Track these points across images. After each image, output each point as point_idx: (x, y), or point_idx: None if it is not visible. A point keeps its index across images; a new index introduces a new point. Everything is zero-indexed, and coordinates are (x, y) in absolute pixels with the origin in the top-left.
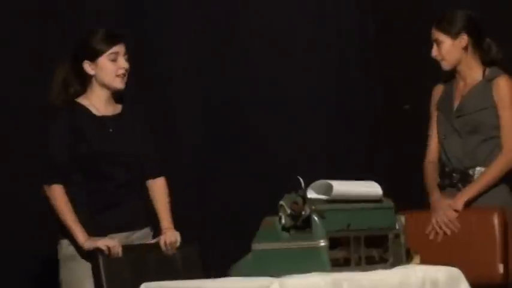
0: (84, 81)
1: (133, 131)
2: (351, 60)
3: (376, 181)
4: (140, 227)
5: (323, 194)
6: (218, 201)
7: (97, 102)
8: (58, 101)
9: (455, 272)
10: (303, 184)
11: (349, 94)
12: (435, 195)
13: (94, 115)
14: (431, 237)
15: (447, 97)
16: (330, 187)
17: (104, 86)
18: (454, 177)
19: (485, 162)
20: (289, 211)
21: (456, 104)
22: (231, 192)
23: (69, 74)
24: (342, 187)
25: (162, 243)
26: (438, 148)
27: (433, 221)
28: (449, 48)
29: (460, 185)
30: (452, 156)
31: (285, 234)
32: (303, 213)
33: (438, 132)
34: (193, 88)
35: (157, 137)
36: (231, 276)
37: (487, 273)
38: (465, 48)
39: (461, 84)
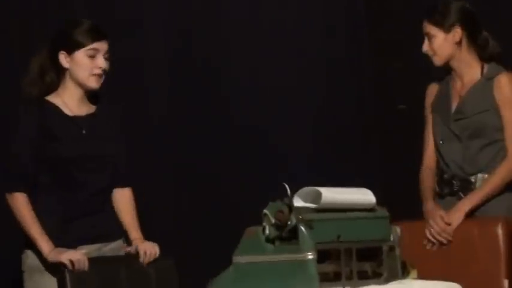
0: (59, 74)
1: (108, 132)
2: (341, 57)
3: (369, 188)
4: (114, 238)
5: (311, 202)
6: (195, 209)
7: (69, 100)
8: (33, 90)
9: (455, 287)
10: (288, 191)
11: (338, 93)
12: (429, 204)
13: (65, 115)
14: (428, 248)
15: (443, 97)
16: (319, 194)
17: (78, 83)
18: (454, 185)
19: (488, 168)
20: (273, 221)
21: (454, 105)
22: (209, 200)
23: (46, 62)
24: (332, 194)
25: (141, 253)
26: (435, 153)
27: (427, 232)
28: (441, 43)
29: (461, 193)
30: (450, 161)
31: (269, 246)
32: (289, 223)
33: (434, 137)
34: (173, 89)
35: (133, 142)
36: None
37: None
38: (459, 43)
39: (458, 83)
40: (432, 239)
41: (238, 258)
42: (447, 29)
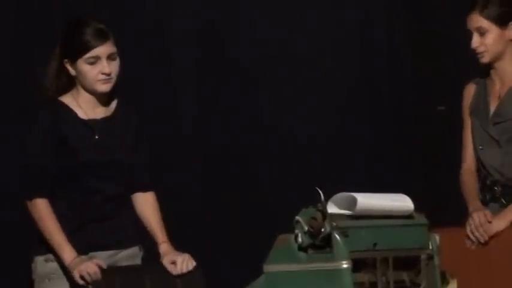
0: (72, 77)
1: (125, 136)
2: (377, 56)
3: (406, 193)
4: (128, 245)
5: (346, 209)
6: (225, 216)
7: (84, 103)
8: (50, 92)
9: None
10: (322, 197)
11: (375, 95)
12: (475, 205)
13: (79, 118)
14: (471, 251)
15: (481, 99)
16: (354, 201)
17: (87, 90)
18: (496, 191)
19: None
20: (306, 228)
21: (493, 108)
22: (239, 206)
23: (59, 65)
24: (368, 200)
25: (179, 261)
26: (475, 156)
27: (467, 228)
28: (496, 39)
29: (503, 199)
30: (491, 168)
31: (302, 254)
32: (323, 230)
33: (474, 141)
34: (203, 91)
35: (155, 141)
36: None
37: None
38: (511, 41)
39: (497, 83)
40: (471, 236)
41: (270, 267)
42: (503, 25)
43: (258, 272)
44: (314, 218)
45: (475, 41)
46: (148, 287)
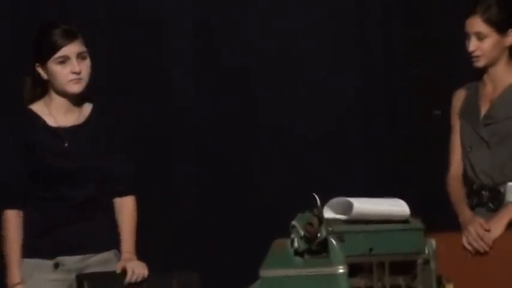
0: (46, 84)
1: (98, 142)
2: (375, 59)
3: (402, 198)
4: (100, 249)
5: (342, 214)
6: (221, 220)
7: (55, 110)
8: (28, 98)
9: None
10: (318, 202)
11: (372, 100)
12: (466, 213)
13: (48, 126)
14: (464, 256)
15: (472, 103)
16: (350, 205)
17: (59, 92)
18: (483, 196)
19: None
20: (302, 233)
21: (484, 110)
22: (235, 211)
23: (34, 73)
24: (364, 205)
25: (129, 271)
26: (462, 161)
27: (463, 239)
28: (494, 45)
29: (490, 204)
30: (479, 171)
31: (298, 259)
32: (319, 235)
33: (463, 144)
34: (200, 90)
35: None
36: None
37: None
38: (507, 47)
39: (489, 87)
40: (469, 247)
41: (266, 272)
42: (503, 31)
43: (254, 276)
44: (310, 223)
45: (473, 44)
46: None
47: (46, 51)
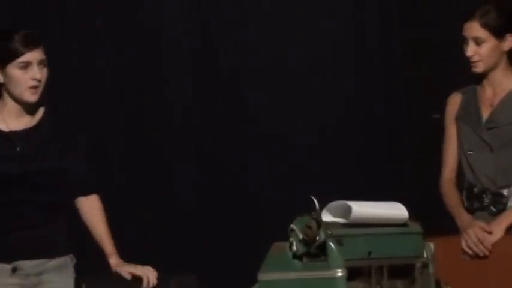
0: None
1: (53, 144)
2: (371, 61)
3: (401, 201)
4: (57, 254)
5: (340, 217)
6: (219, 223)
7: (7, 115)
8: None
9: None
10: (317, 205)
11: (370, 103)
12: (464, 217)
13: (0, 131)
14: (463, 259)
15: (471, 107)
16: (349, 209)
17: (14, 97)
18: (484, 200)
19: None
20: (301, 236)
21: (486, 114)
22: (234, 214)
23: None
24: (362, 209)
25: (145, 279)
26: (456, 165)
27: (463, 243)
28: (492, 49)
29: (492, 207)
30: (481, 174)
31: (297, 262)
32: (317, 238)
33: (461, 147)
34: (197, 95)
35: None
36: None
37: None
38: (505, 52)
39: (489, 91)
40: (468, 251)
41: (264, 276)
42: (501, 36)
43: (253, 280)
44: (309, 227)
45: (471, 49)
46: None
47: (8, 54)
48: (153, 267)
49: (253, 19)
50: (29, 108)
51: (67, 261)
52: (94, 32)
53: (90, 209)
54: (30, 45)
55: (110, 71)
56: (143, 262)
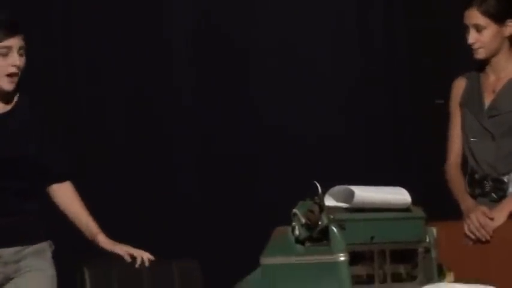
0: None
1: (28, 130)
2: (376, 50)
3: (404, 186)
4: (36, 241)
5: (343, 202)
6: (222, 208)
7: None
8: None
9: None
10: (320, 190)
11: (373, 90)
12: (468, 202)
13: None
14: (468, 244)
15: (474, 93)
16: (351, 193)
17: None
18: (485, 186)
19: None
20: (304, 221)
21: (488, 101)
22: (237, 199)
23: None
24: (365, 194)
25: (139, 259)
26: (461, 150)
27: (465, 228)
28: (494, 35)
29: (493, 194)
30: (482, 161)
31: (299, 247)
32: (320, 223)
33: (464, 134)
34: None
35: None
36: None
37: None
38: (507, 37)
39: (492, 78)
40: (471, 235)
41: (267, 260)
42: (501, 22)
43: (255, 264)
44: (311, 211)
45: (472, 37)
46: (146, 279)
47: None
48: (156, 253)
49: (256, 14)
50: (4, 95)
51: (45, 247)
52: (98, 31)
53: (67, 195)
54: (11, 31)
55: (111, 67)
56: (147, 249)
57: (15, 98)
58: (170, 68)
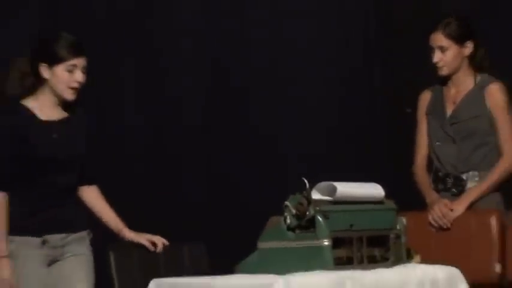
0: (38, 80)
1: (78, 135)
2: (354, 67)
3: (378, 182)
4: (78, 229)
5: (327, 195)
6: (226, 202)
7: (45, 106)
8: (11, 90)
9: (454, 271)
10: (307, 185)
11: (351, 100)
12: (432, 195)
13: (38, 119)
14: (432, 231)
15: (438, 103)
16: (334, 189)
17: (55, 93)
18: (447, 182)
19: (480, 167)
20: (294, 211)
21: (449, 111)
22: (237, 193)
23: (26, 67)
24: (346, 189)
25: (159, 243)
26: (427, 152)
27: (430, 217)
28: (455, 55)
29: (453, 189)
30: (446, 161)
31: (290, 233)
32: (308, 213)
33: (430, 138)
34: (194, 88)
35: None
36: (237, 273)
37: (485, 272)
38: (467, 56)
39: (453, 91)
40: (434, 223)
41: (263, 244)
42: (461, 43)
43: (253, 248)
44: (300, 203)
45: (437, 56)
46: (161, 259)
47: (60, 56)
48: (169, 238)
49: (249, 27)
50: (62, 103)
51: (85, 235)
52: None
53: (95, 197)
54: (79, 52)
55: (119, 71)
56: (162, 235)
57: (72, 107)
58: (170, 68)
